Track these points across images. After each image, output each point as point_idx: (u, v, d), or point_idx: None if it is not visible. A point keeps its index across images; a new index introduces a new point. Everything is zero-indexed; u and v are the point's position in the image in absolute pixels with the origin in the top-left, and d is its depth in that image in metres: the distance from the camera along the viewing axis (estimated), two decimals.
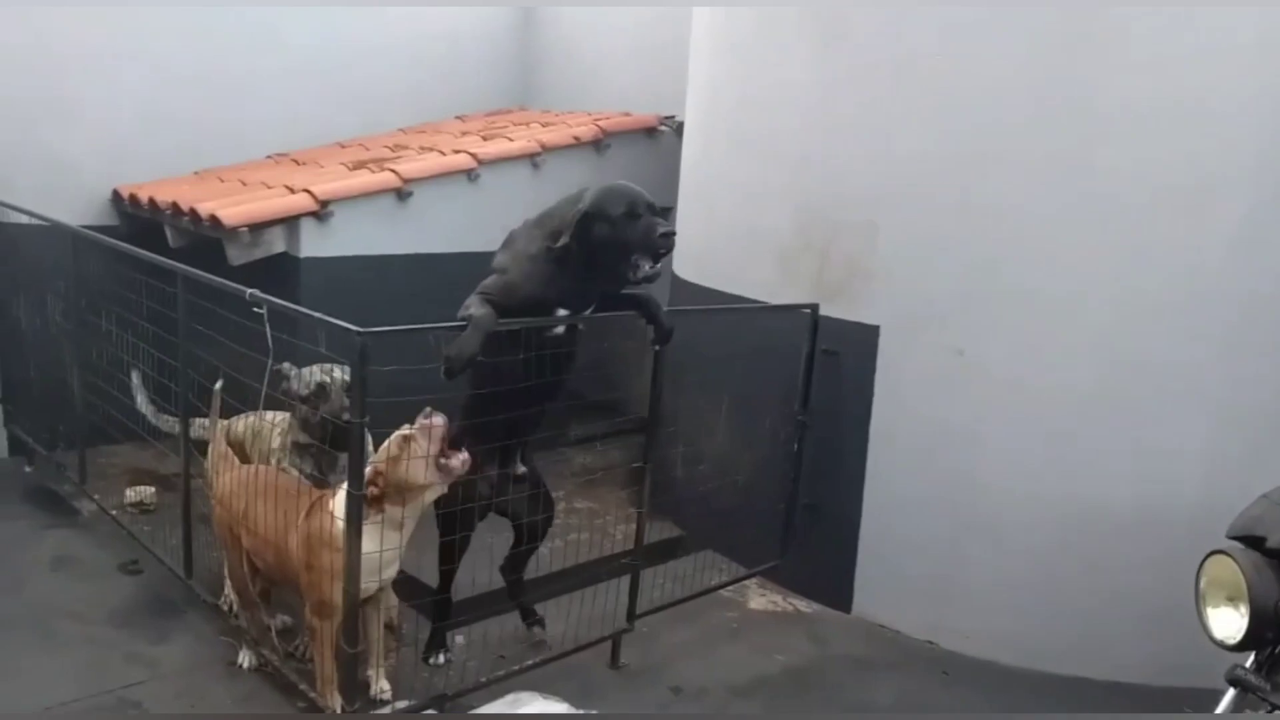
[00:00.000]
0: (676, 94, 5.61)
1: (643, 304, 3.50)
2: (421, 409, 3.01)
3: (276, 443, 3.70)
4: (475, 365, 3.09)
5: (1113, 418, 3.86)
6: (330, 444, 3.49)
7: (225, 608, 3.78)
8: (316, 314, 3.02)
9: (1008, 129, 3.86)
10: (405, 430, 3.02)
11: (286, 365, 3.48)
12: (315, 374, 3.48)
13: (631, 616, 3.81)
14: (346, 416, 2.99)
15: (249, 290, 3.23)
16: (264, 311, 3.20)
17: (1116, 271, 3.81)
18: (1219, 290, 3.75)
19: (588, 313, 3.41)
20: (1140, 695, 3.82)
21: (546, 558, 4.11)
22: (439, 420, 2.99)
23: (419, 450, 2.97)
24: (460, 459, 3.02)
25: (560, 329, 3.36)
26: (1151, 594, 3.82)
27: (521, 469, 3.63)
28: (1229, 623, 2.42)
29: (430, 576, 3.63)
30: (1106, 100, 3.73)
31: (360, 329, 2.79)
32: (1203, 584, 2.51)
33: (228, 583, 3.84)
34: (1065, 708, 3.76)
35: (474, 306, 3.15)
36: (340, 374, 3.43)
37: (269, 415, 3.74)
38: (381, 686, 3.33)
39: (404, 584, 3.60)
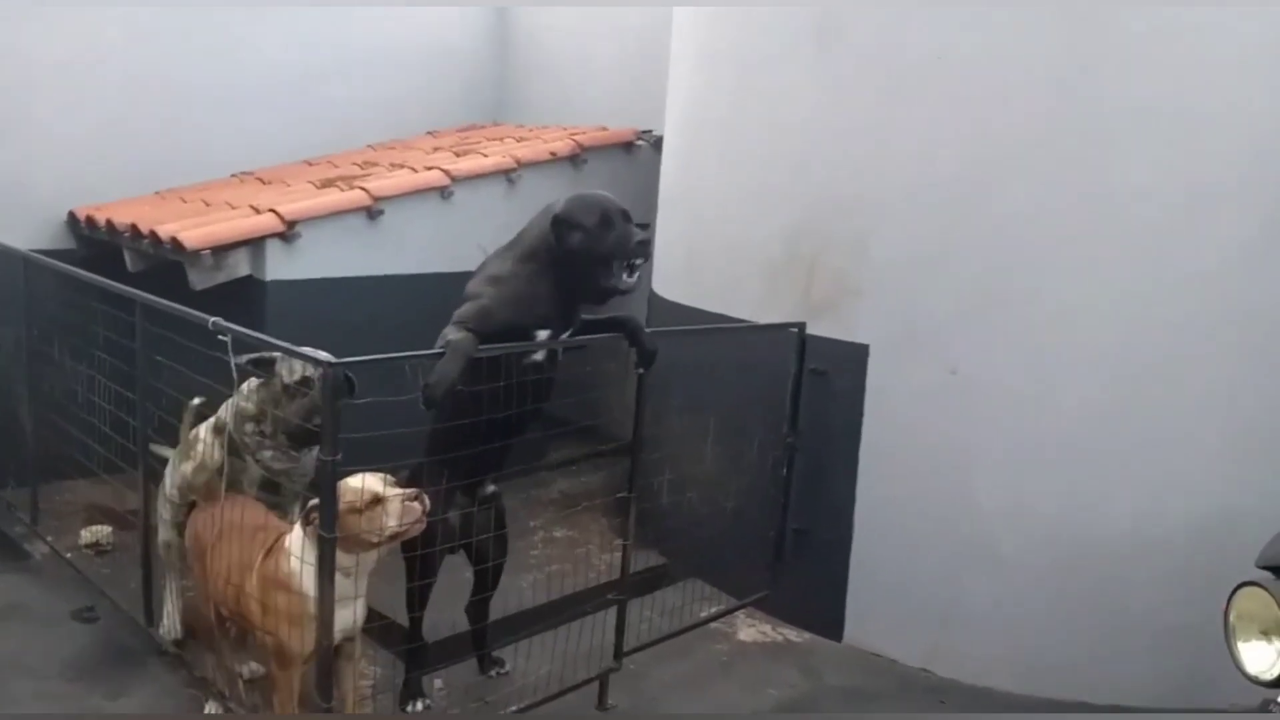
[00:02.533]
0: (654, 108, 5.52)
1: (624, 325, 3.41)
2: (396, 447, 2.84)
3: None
4: (453, 395, 2.95)
5: (1116, 436, 3.74)
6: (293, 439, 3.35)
7: (169, 644, 3.67)
8: (283, 343, 2.87)
9: (1007, 136, 3.73)
10: (378, 488, 2.81)
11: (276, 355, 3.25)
12: (304, 367, 3.25)
13: (619, 654, 3.65)
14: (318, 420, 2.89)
15: (211, 319, 3.07)
16: (228, 339, 3.03)
17: (1121, 283, 3.68)
18: (1232, 302, 3.64)
19: (568, 335, 3.30)
20: None
21: (527, 592, 3.93)
22: (421, 508, 2.81)
23: (387, 517, 2.78)
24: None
25: (539, 355, 3.24)
26: (1156, 616, 3.74)
27: (491, 488, 3.48)
28: (1263, 657, 2.31)
29: (404, 617, 3.45)
30: (1114, 106, 3.60)
31: (332, 359, 2.64)
32: (1233, 617, 2.39)
33: (167, 609, 3.74)
34: None
35: (451, 334, 3.04)
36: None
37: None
38: None
39: (377, 629, 3.41)
